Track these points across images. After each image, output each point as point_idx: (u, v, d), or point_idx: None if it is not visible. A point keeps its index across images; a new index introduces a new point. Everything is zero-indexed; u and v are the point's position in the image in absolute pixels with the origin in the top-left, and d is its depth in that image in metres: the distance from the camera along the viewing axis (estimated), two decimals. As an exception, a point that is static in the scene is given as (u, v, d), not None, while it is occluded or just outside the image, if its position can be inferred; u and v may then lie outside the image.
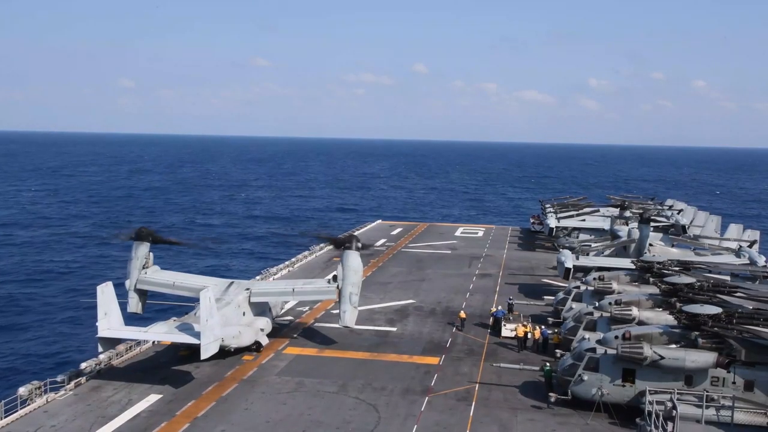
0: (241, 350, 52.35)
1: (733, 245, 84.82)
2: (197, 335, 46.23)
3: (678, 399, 37.47)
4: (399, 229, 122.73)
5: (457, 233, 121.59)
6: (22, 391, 41.70)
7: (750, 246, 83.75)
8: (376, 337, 57.49)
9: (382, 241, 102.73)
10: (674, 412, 35.88)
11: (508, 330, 57.05)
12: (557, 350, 50.19)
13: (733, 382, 39.26)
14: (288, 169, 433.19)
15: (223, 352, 49.91)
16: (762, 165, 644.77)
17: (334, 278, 55.93)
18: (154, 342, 53.71)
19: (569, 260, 71.36)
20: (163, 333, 49.22)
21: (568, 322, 54.59)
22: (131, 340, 51.45)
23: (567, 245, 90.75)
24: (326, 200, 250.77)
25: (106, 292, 47.60)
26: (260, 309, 56.32)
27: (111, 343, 48.59)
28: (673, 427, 35.42)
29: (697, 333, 40.34)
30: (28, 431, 38.62)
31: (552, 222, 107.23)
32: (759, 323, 40.19)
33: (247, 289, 56.33)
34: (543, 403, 43.04)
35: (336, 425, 39.85)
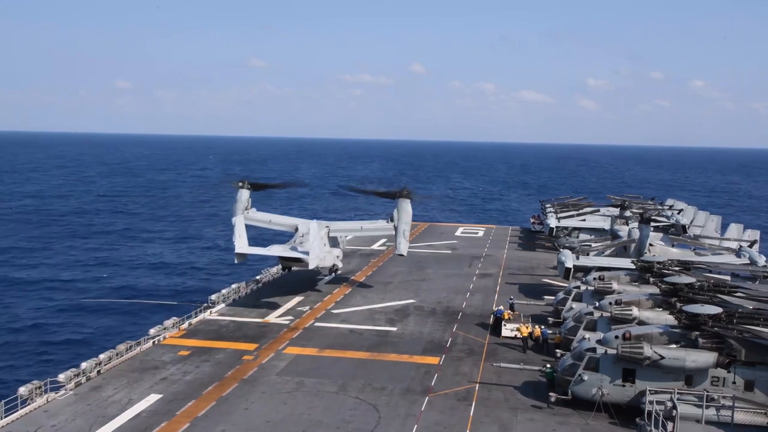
0: (324, 269, 73.06)
1: (734, 245, 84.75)
2: (305, 252, 65.12)
3: (678, 399, 37.49)
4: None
5: (458, 233, 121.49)
6: (23, 390, 41.69)
7: (750, 246, 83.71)
8: (376, 337, 57.48)
9: (382, 240, 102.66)
10: (674, 412, 35.91)
11: (508, 330, 57.05)
12: (557, 350, 50.19)
13: (734, 382, 39.29)
14: (292, 170, 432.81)
15: (313, 272, 69.19)
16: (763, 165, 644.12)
17: (391, 219, 71.40)
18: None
19: (569, 260, 71.30)
20: (280, 250, 67.52)
21: (569, 322, 54.49)
22: (259, 255, 71.01)
23: (567, 245, 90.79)
24: (324, 201, 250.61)
25: (238, 222, 65.79)
26: (334, 242, 74.31)
27: (243, 257, 65.77)
28: (673, 427, 35.46)
29: (697, 333, 40.37)
30: (28, 431, 38.61)
31: (552, 222, 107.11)
32: (759, 323, 40.25)
33: (327, 226, 72.97)
34: (543, 403, 43.06)
35: (336, 425, 39.85)
